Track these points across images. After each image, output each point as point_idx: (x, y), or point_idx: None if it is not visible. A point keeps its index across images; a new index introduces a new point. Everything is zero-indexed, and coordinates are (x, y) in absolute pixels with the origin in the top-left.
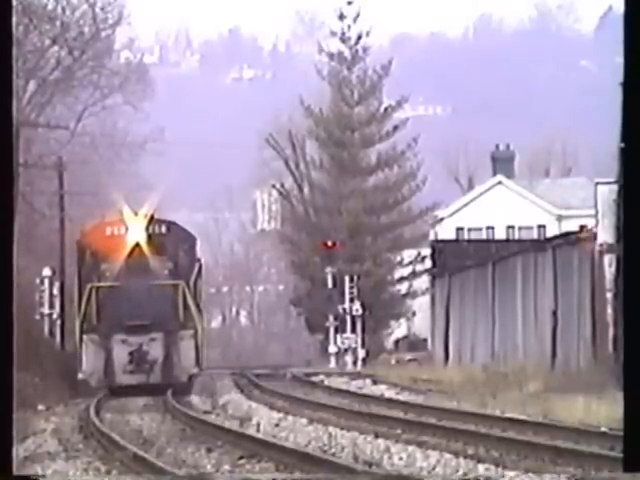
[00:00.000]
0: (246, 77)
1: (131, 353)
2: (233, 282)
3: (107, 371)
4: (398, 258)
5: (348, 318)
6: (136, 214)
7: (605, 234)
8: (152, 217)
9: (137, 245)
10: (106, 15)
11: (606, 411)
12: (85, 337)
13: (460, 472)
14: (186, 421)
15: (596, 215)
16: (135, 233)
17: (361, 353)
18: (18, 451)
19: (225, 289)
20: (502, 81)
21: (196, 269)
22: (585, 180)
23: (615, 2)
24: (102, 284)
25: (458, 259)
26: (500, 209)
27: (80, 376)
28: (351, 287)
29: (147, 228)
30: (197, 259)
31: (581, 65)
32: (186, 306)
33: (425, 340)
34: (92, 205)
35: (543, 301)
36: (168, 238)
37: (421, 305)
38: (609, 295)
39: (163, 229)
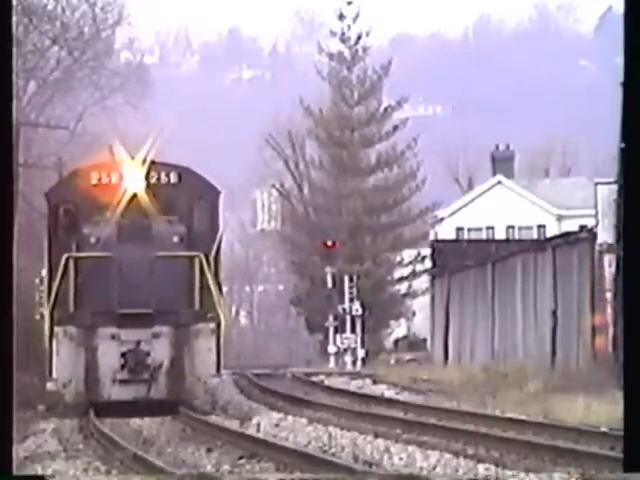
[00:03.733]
0: (246, 77)
1: (124, 354)
2: (233, 282)
3: (89, 380)
4: (398, 258)
5: (348, 318)
6: (133, 158)
7: (605, 234)
8: (155, 161)
9: (135, 199)
10: (106, 15)
11: (606, 411)
12: (58, 330)
13: (460, 472)
14: (186, 421)
15: (596, 215)
16: (132, 181)
17: (361, 353)
18: (18, 451)
19: (225, 289)
20: (502, 81)
21: (218, 237)
22: (585, 180)
23: (615, 2)
24: (83, 254)
25: (458, 259)
26: (500, 209)
27: (49, 387)
28: (351, 287)
29: (149, 175)
30: (219, 222)
31: (581, 65)
32: (205, 288)
33: (425, 340)
34: None
35: (543, 301)
36: (179, 190)
37: (421, 305)
38: (609, 295)
39: (172, 177)
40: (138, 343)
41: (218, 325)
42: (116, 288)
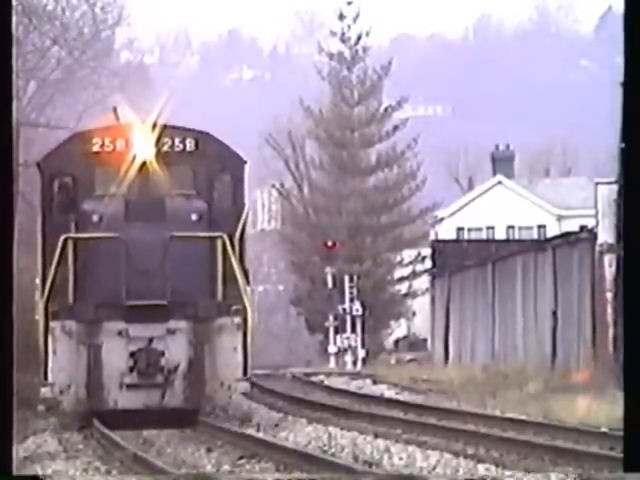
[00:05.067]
0: (246, 78)
1: (134, 354)
2: None
3: (91, 385)
4: (398, 258)
5: (348, 318)
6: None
7: (605, 234)
8: (168, 125)
9: (145, 169)
10: (106, 16)
11: (606, 411)
12: (54, 326)
13: (460, 472)
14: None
15: (596, 215)
16: (141, 148)
17: (361, 353)
18: (18, 451)
19: None
20: (502, 81)
21: (244, 216)
22: (585, 180)
23: (615, 2)
24: (84, 235)
25: (458, 259)
26: (500, 209)
27: (44, 393)
28: (351, 287)
29: (161, 142)
30: (244, 198)
31: (581, 65)
32: (228, 276)
33: (425, 340)
34: None
35: (543, 301)
36: (198, 160)
37: (421, 305)
38: (609, 295)
39: (189, 144)
40: (150, 341)
41: (244, 319)
42: (123, 275)
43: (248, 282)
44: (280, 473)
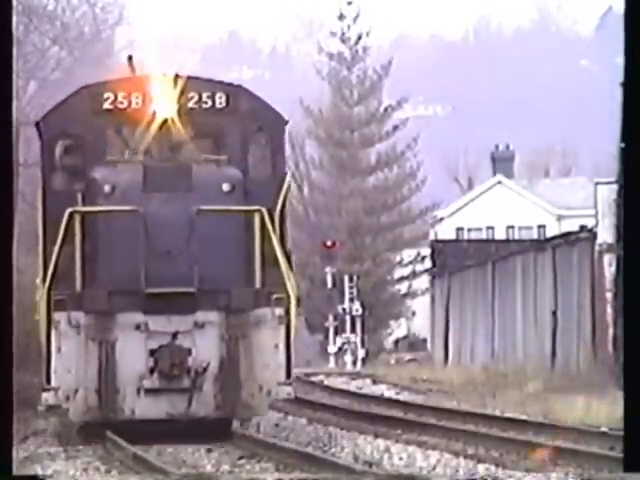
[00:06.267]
0: (246, 78)
1: (155, 352)
2: None
3: (104, 390)
4: (398, 258)
5: (348, 318)
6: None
7: (605, 234)
8: (194, 77)
9: (166, 130)
10: (106, 16)
11: (606, 411)
12: (59, 317)
13: (460, 472)
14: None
15: (596, 215)
16: (162, 105)
17: (361, 353)
18: (18, 451)
19: None
20: (502, 81)
21: (285, 186)
22: (585, 180)
23: (615, 2)
24: (94, 209)
25: (458, 259)
26: (500, 209)
27: (46, 398)
28: (351, 287)
29: (185, 97)
30: (285, 164)
31: (581, 65)
32: (268, 258)
33: (425, 340)
34: None
35: (543, 301)
36: (230, 119)
37: (421, 305)
38: (609, 295)
39: (219, 99)
40: (174, 336)
41: (287, 311)
42: (142, 256)
43: (291, 267)
44: (280, 473)
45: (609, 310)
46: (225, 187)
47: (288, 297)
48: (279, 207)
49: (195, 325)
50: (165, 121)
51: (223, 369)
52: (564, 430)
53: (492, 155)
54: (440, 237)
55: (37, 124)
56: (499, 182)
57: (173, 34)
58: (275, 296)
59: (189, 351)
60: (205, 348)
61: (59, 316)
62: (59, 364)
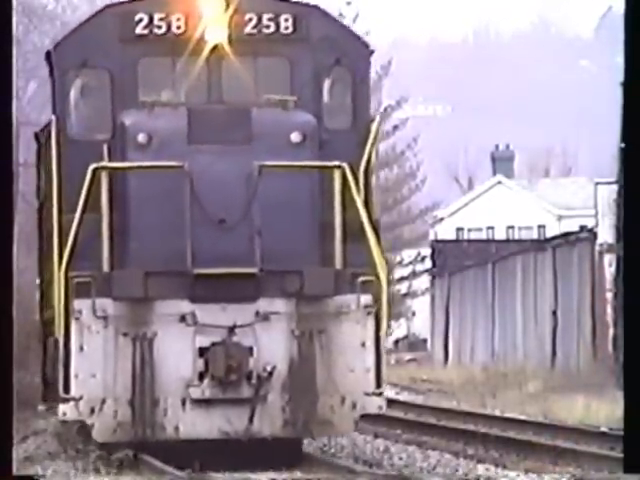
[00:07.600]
0: None
1: (206, 352)
2: None
3: (139, 401)
4: (398, 258)
5: None
6: None
7: (605, 234)
8: None
9: (216, 61)
10: None
11: (606, 411)
12: (80, 306)
13: (460, 472)
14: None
15: (596, 215)
16: (212, 30)
17: None
18: (18, 451)
19: None
20: (502, 81)
21: (372, 135)
22: (585, 180)
23: (615, 2)
24: (125, 164)
25: (458, 259)
26: (500, 209)
27: (63, 412)
28: None
29: (240, 19)
30: (369, 107)
31: (581, 65)
32: (352, 229)
33: (425, 340)
34: None
35: (543, 301)
36: (300, 47)
37: (421, 305)
38: (609, 295)
39: (284, 22)
40: (230, 331)
41: (377, 298)
42: (188, 227)
43: (379, 240)
44: (280, 473)
45: (609, 310)
46: (294, 137)
47: (378, 280)
48: (364, 163)
49: (257, 316)
50: (215, 50)
51: (293, 374)
52: (564, 430)
53: (492, 155)
54: (440, 237)
55: (48, 54)
56: (499, 182)
57: None
58: (361, 279)
59: (250, 350)
60: (270, 347)
61: (80, 304)
62: (81, 367)
